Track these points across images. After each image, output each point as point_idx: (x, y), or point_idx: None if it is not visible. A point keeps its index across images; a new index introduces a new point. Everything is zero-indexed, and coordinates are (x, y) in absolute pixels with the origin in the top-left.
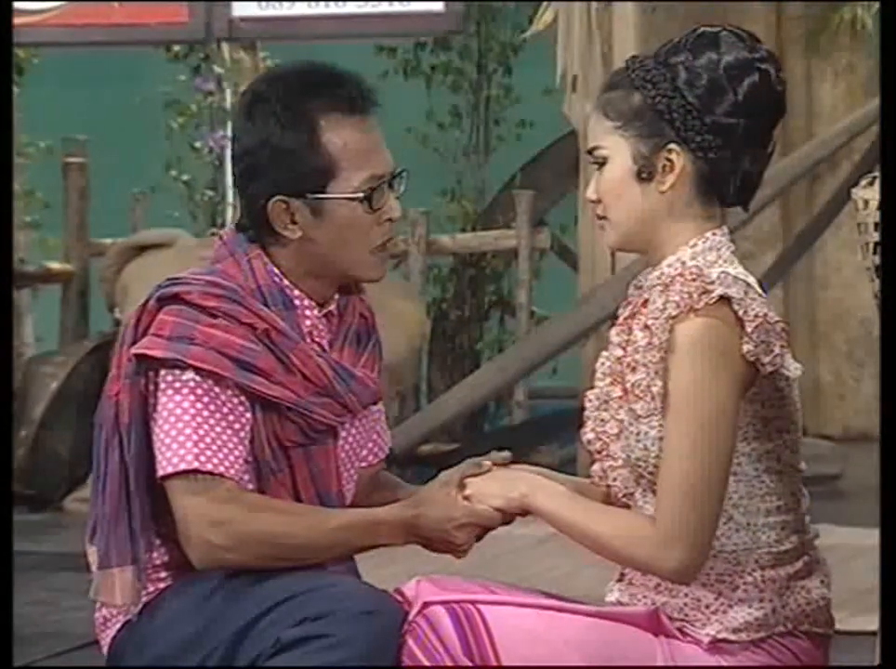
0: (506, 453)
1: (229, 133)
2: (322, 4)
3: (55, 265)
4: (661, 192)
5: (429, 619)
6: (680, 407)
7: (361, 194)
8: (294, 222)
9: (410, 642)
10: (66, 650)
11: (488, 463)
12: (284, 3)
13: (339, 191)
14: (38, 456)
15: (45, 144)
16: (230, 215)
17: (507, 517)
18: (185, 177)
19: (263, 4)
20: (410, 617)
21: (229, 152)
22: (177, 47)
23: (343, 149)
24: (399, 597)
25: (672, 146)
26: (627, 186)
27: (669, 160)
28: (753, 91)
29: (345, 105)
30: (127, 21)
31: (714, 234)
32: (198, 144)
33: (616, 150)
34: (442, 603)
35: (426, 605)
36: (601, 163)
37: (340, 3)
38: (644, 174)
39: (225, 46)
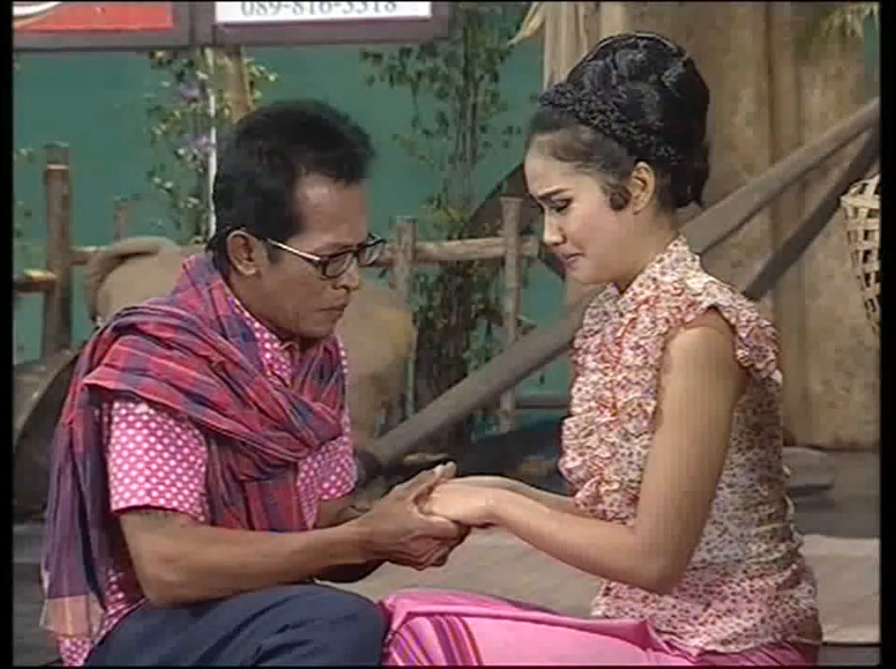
0: (450, 465)
1: (213, 140)
2: (307, 9)
3: (37, 273)
4: (635, 214)
5: (413, 630)
6: (673, 417)
7: (317, 258)
8: (250, 259)
9: (394, 653)
10: (46, 664)
11: (438, 471)
12: (269, 8)
13: (298, 248)
14: (19, 467)
15: (26, 151)
16: (213, 223)
17: (465, 529)
18: (168, 185)
19: (247, 7)
20: (394, 628)
21: (213, 160)
22: (160, 53)
23: (314, 209)
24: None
25: (641, 165)
26: (602, 217)
27: (641, 179)
28: (692, 92)
29: (331, 168)
30: (110, 27)
31: (675, 245)
32: (182, 151)
33: (581, 187)
34: (427, 615)
35: (410, 616)
36: (563, 205)
37: (325, 5)
38: (619, 201)
39: (209, 52)
